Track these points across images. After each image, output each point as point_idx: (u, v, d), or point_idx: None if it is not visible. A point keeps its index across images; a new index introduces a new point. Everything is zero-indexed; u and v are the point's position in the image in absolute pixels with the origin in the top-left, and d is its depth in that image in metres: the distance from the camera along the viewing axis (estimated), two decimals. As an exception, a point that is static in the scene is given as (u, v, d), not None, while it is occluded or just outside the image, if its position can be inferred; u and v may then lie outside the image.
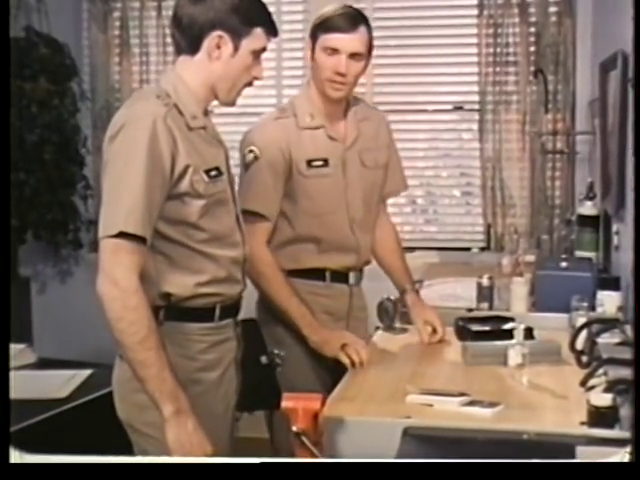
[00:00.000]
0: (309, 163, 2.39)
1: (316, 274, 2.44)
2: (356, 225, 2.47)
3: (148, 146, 1.73)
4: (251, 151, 2.35)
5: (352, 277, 2.52)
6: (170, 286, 1.82)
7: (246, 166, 2.36)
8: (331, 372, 2.29)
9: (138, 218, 1.71)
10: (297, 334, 2.37)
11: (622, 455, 1.36)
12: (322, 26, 2.33)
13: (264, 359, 2.00)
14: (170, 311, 1.83)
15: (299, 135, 2.39)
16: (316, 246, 2.43)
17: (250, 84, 1.91)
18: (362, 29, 2.33)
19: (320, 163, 2.40)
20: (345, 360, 2.23)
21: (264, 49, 1.89)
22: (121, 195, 1.73)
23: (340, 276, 2.48)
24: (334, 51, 2.31)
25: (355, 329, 2.44)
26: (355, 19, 2.33)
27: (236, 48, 1.83)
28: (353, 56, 2.32)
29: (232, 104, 1.92)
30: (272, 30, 1.90)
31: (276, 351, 2.01)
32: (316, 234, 2.42)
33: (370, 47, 2.37)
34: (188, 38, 1.84)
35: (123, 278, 1.70)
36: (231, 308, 1.94)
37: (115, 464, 1.36)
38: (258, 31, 1.85)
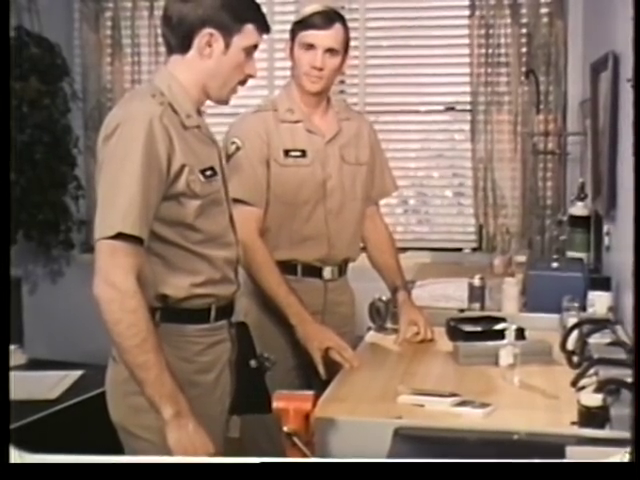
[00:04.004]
0: (286, 153, 2.46)
1: (287, 267, 2.45)
2: (332, 217, 2.49)
3: (144, 146, 1.71)
4: (233, 143, 2.42)
5: (327, 272, 2.53)
6: (166, 287, 1.80)
7: (229, 157, 2.40)
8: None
9: (135, 219, 1.69)
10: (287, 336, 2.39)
11: (622, 455, 1.36)
12: (300, 24, 2.44)
13: (253, 363, 1.98)
14: (166, 313, 1.81)
15: (278, 127, 2.47)
16: (287, 236, 2.46)
17: (244, 82, 1.89)
18: (337, 26, 2.43)
19: (298, 154, 2.47)
20: (337, 358, 2.24)
21: (256, 46, 1.87)
22: (118, 196, 1.70)
23: (312, 270, 2.50)
24: (310, 46, 2.41)
25: (331, 324, 2.43)
26: (330, 17, 2.44)
27: (227, 45, 1.82)
28: (329, 51, 2.42)
29: (225, 102, 1.90)
30: (264, 26, 1.88)
31: (266, 355, 2.00)
32: (287, 223, 2.45)
33: (346, 44, 2.47)
34: (179, 37, 1.82)
35: (121, 280, 1.67)
36: (225, 309, 1.92)
37: (116, 464, 1.35)
38: (249, 27, 1.84)
